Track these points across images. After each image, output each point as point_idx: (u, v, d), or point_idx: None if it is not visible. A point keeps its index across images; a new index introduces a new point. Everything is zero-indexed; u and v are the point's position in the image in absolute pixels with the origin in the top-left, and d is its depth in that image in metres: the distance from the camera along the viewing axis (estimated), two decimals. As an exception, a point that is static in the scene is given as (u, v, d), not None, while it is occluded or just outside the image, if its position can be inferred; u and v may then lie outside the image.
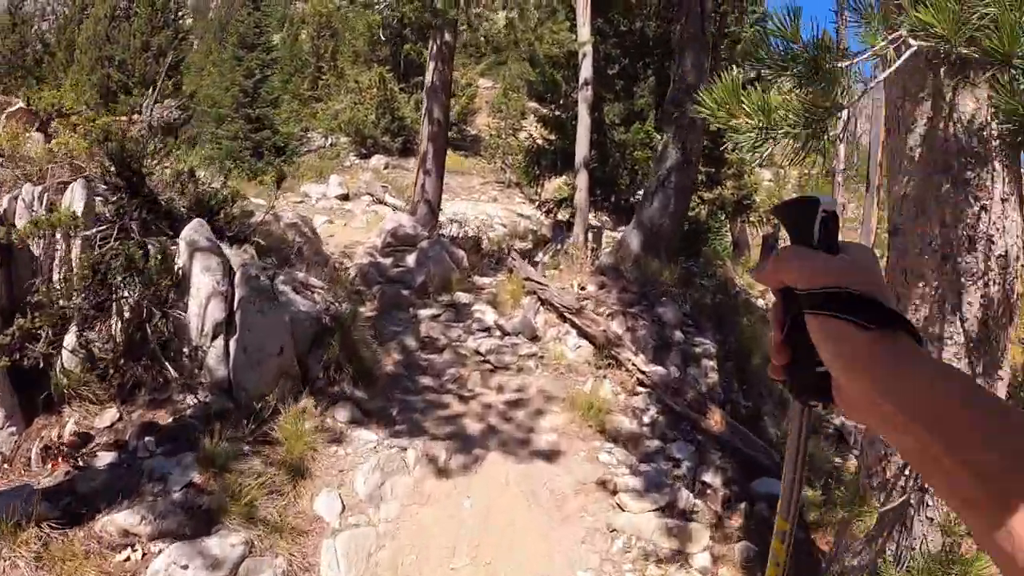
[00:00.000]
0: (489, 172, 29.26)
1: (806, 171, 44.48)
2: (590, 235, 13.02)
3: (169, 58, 29.77)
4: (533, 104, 35.15)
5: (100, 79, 29.96)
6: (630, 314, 9.17)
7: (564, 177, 19.69)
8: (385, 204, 20.73)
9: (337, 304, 8.09)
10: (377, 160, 26.86)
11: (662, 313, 9.36)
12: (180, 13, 31.23)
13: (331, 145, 30.03)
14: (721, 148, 16.41)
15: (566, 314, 8.89)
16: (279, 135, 25.21)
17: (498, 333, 8.82)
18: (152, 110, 20.22)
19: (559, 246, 16.37)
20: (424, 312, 9.18)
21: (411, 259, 10.33)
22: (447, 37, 12.10)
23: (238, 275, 6.57)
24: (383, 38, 30.16)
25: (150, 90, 23.07)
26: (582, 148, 12.60)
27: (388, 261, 10.38)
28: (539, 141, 19.59)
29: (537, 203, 19.58)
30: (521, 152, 19.92)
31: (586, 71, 12.63)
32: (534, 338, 8.79)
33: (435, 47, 12.19)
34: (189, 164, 8.59)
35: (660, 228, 10.10)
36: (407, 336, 8.52)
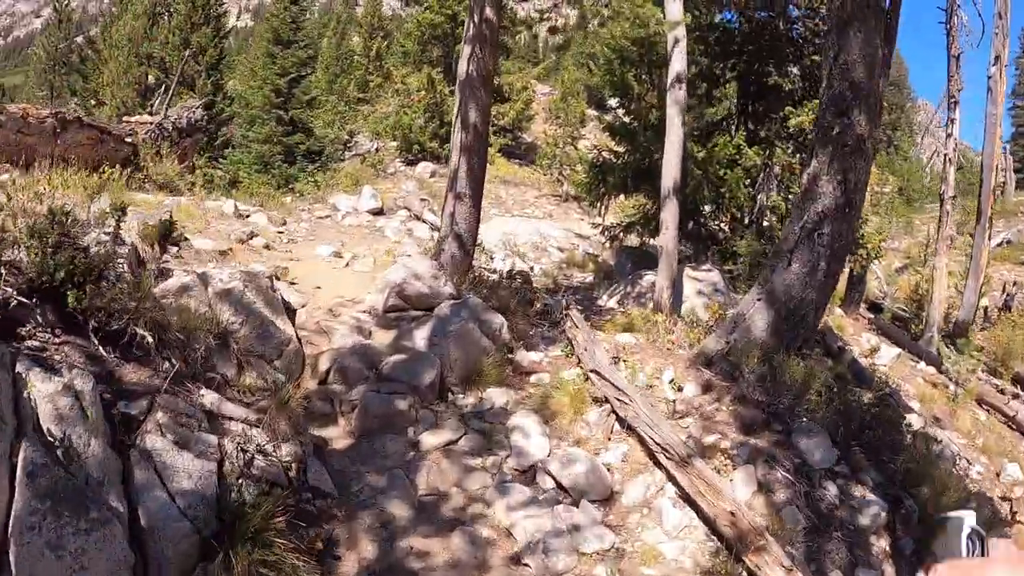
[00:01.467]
0: (545, 184, 25.54)
1: (877, 190, 39.62)
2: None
3: (207, 55, 26.93)
4: (594, 111, 31.29)
5: (137, 77, 27.15)
6: (761, 454, 5.37)
7: (634, 196, 15.92)
8: (422, 221, 17.19)
9: (275, 447, 4.47)
10: (423, 168, 23.46)
11: (805, 449, 5.53)
12: (222, 9, 28.21)
13: (376, 150, 26.69)
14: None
15: (662, 458, 5.14)
16: (314, 139, 21.84)
17: (549, 486, 5.08)
18: (166, 110, 16.98)
19: (628, 288, 12.65)
20: (430, 438, 5.47)
21: (421, 336, 6.64)
22: (488, 12, 8.35)
23: (19, 465, 3.00)
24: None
25: (162, 89, 19.81)
26: (671, 168, 8.82)
27: (387, 339, 6.70)
28: (604, 153, 15.83)
29: (600, 228, 15.92)
30: (582, 163, 16.14)
31: (678, 63, 8.86)
32: (606, 499, 5.05)
33: (472, 26, 8.45)
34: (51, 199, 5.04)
35: (801, 304, 6.23)
36: (393, 496, 4.82)
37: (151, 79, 26.95)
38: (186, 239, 7.86)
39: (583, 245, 19.20)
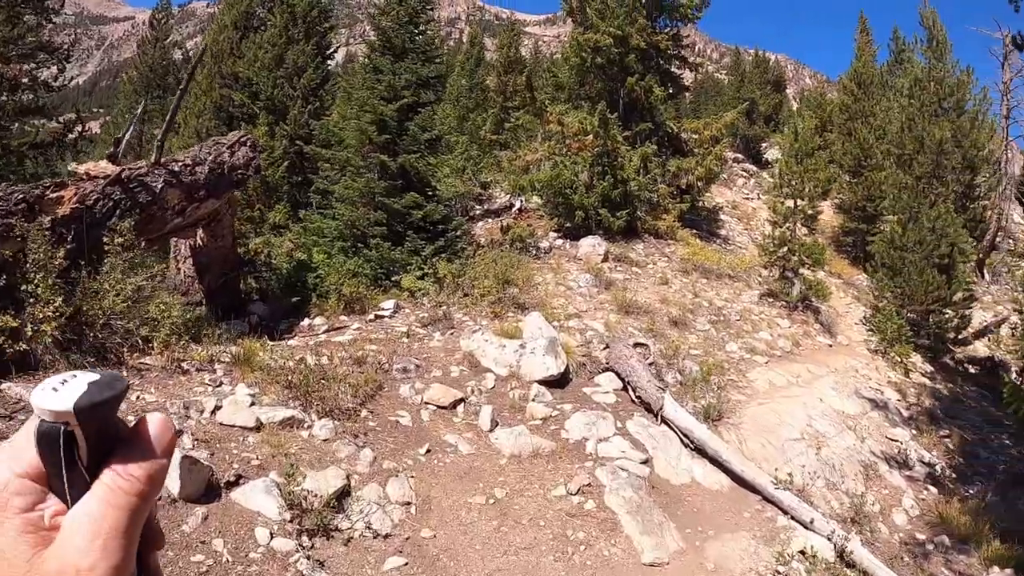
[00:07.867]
0: (755, 275, 15.08)
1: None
2: None
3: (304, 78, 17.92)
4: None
5: (216, 101, 18.25)
6: None
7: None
8: (665, 423, 7.13)
9: None
10: (590, 245, 13.75)
11: None
12: (328, 24, 18.91)
13: (518, 209, 16.92)
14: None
15: None
16: (436, 201, 12.00)
17: None
18: (159, 150, 7.34)
19: None
20: None
21: None
22: None
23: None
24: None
25: (168, 118, 10.19)
26: None
27: None
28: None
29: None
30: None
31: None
32: None
33: None
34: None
35: None
36: None
37: (236, 102, 18.04)
38: None
39: (909, 449, 8.80)
